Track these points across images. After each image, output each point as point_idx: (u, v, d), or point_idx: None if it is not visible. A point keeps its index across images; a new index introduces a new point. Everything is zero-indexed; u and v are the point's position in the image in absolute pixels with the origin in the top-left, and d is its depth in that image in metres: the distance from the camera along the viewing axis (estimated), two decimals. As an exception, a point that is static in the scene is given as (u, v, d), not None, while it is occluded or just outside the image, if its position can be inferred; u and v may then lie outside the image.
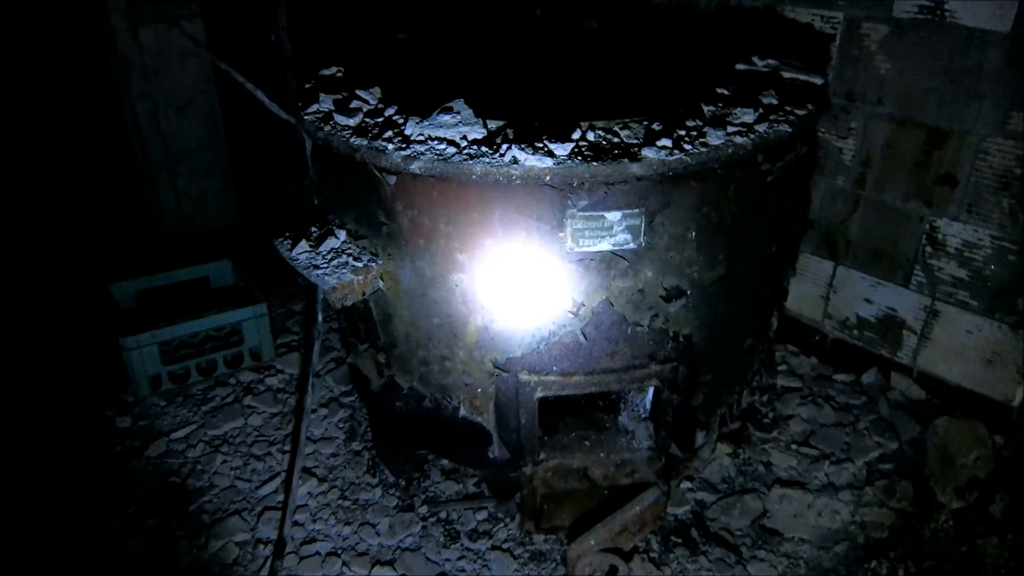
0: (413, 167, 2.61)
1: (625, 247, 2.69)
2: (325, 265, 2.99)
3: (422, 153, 2.63)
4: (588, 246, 2.67)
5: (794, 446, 3.74)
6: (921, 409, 3.86)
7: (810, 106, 2.91)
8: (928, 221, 3.61)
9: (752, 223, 2.86)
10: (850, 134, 3.77)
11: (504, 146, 2.60)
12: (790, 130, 2.76)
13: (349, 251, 3.05)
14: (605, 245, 2.68)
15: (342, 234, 3.09)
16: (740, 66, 3.13)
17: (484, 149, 2.62)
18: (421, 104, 2.87)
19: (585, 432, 3.15)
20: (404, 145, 2.68)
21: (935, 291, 3.69)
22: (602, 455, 3.06)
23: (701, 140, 2.64)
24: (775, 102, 2.90)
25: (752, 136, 2.68)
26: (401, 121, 2.82)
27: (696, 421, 3.13)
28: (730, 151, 2.62)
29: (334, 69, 3.34)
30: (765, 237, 3.00)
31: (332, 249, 3.07)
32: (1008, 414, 3.66)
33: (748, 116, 2.77)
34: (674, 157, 2.55)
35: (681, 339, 2.91)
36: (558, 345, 2.86)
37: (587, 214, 2.62)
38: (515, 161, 2.54)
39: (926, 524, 3.38)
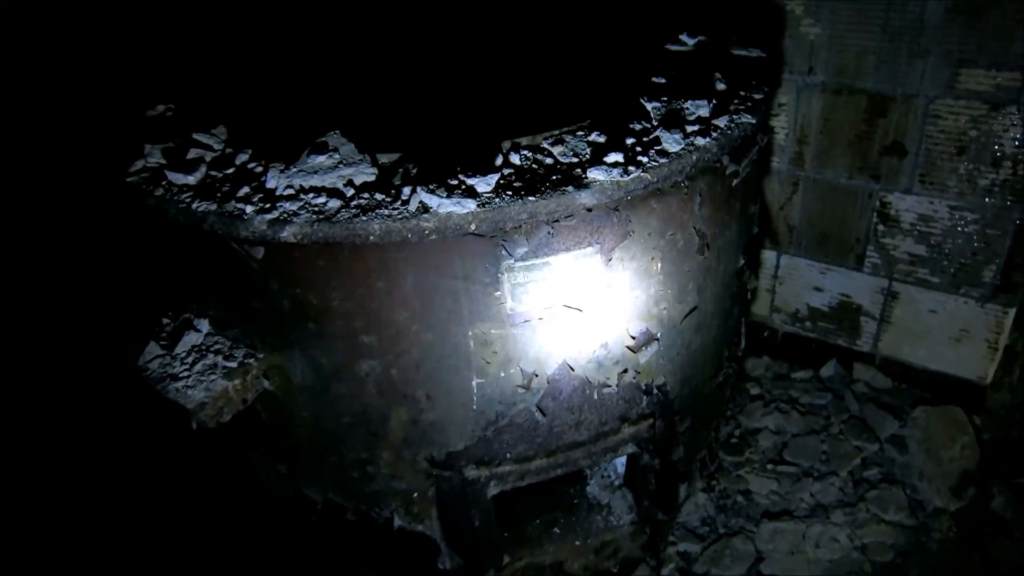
0: (285, 234, 1.80)
1: (580, 296, 1.97)
2: (186, 372, 2.13)
3: (295, 213, 1.82)
4: (534, 303, 1.94)
5: (770, 466, 3.16)
6: (892, 399, 3.36)
7: (765, 88, 2.26)
8: (878, 197, 3.07)
9: (721, 238, 2.20)
10: (781, 110, 3.19)
11: (406, 189, 1.83)
12: (754, 121, 2.11)
13: (217, 346, 2.20)
14: (555, 298, 1.95)
15: (203, 324, 2.24)
16: (671, 47, 2.45)
17: (380, 197, 1.84)
18: (284, 143, 2.04)
19: (551, 515, 2.44)
20: (268, 205, 1.86)
21: (892, 271, 3.17)
22: (577, 542, 2.37)
23: (657, 148, 1.95)
24: (725, 87, 2.23)
25: (716, 135, 2.01)
26: (260, 171, 1.98)
27: (678, 475, 2.48)
28: (694, 158, 1.94)
29: (161, 108, 2.44)
30: (734, 251, 2.35)
31: (193, 347, 2.21)
32: (982, 393, 3.20)
33: (703, 109, 2.09)
34: (631, 176, 1.85)
35: (656, 391, 2.23)
36: (510, 428, 2.12)
37: (528, 263, 1.89)
38: (425, 209, 1.78)
39: (929, 535, 2.85)
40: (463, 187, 1.83)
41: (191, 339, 2.22)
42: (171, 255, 2.27)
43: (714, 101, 2.14)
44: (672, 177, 1.92)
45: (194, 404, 2.05)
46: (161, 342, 2.24)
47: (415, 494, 2.25)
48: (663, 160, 1.91)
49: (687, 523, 2.95)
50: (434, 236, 1.78)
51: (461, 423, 2.11)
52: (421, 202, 1.80)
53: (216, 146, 2.16)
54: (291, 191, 1.90)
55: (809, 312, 3.52)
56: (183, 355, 2.19)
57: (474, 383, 2.05)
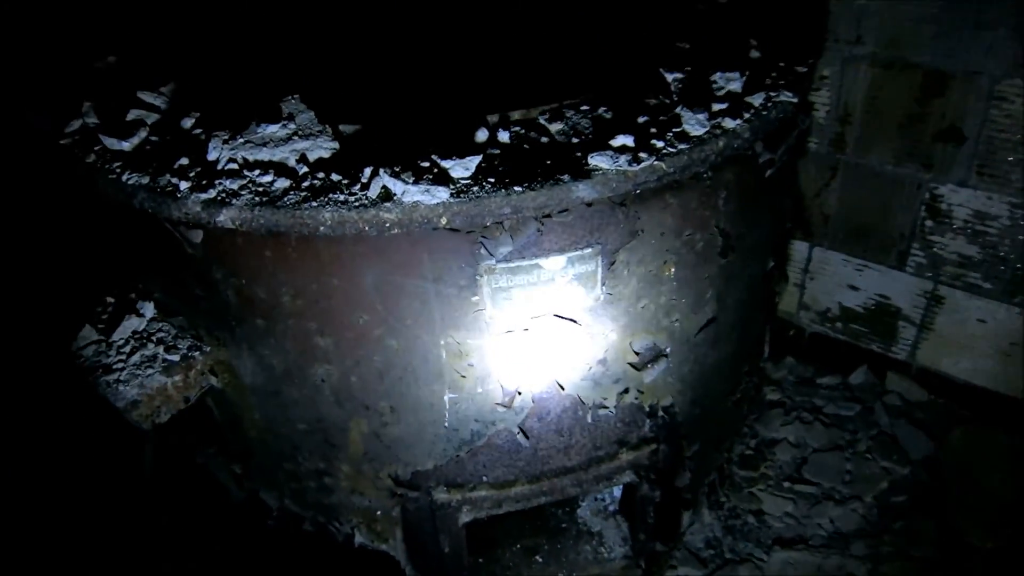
0: (222, 218, 1.47)
1: (576, 305, 1.63)
2: (121, 364, 1.83)
3: (235, 193, 1.49)
4: (518, 311, 1.60)
5: (786, 484, 2.82)
6: (927, 415, 2.99)
7: (810, 59, 1.87)
8: (927, 188, 2.66)
9: (748, 238, 1.84)
10: (822, 84, 2.77)
11: (367, 171, 1.48)
12: (795, 99, 1.73)
13: (160, 335, 1.89)
14: (545, 306, 1.61)
15: (148, 308, 1.92)
16: (699, 5, 2.05)
17: (336, 178, 1.50)
18: (238, 108, 1.70)
19: (534, 540, 2.14)
20: (206, 182, 1.53)
21: (938, 273, 2.77)
22: (561, 574, 2.05)
23: (676, 130, 1.58)
24: (760, 55, 1.85)
25: (749, 116, 1.63)
26: (204, 139, 1.64)
27: (682, 503, 2.15)
28: (721, 144, 1.58)
29: (112, 59, 2.10)
30: (762, 252, 1.99)
31: (134, 333, 1.90)
32: (1030, 414, 2.81)
33: (734, 83, 1.72)
34: (642, 165, 1.49)
35: (661, 413, 1.90)
36: (487, 449, 1.81)
37: (513, 265, 1.55)
38: (387, 196, 1.44)
39: None
40: (435, 171, 1.48)
41: (132, 324, 1.92)
42: (113, 228, 1.95)
43: (748, 73, 1.76)
44: (693, 167, 1.56)
45: (125, 403, 1.75)
46: (99, 326, 1.93)
47: (378, 512, 1.95)
48: (683, 146, 1.55)
49: (690, 544, 2.63)
50: (397, 230, 1.44)
51: (430, 441, 1.80)
52: (384, 187, 1.46)
53: (162, 106, 1.82)
54: (234, 166, 1.56)
55: (841, 312, 3.14)
56: (120, 343, 1.88)
57: (446, 398, 1.72)
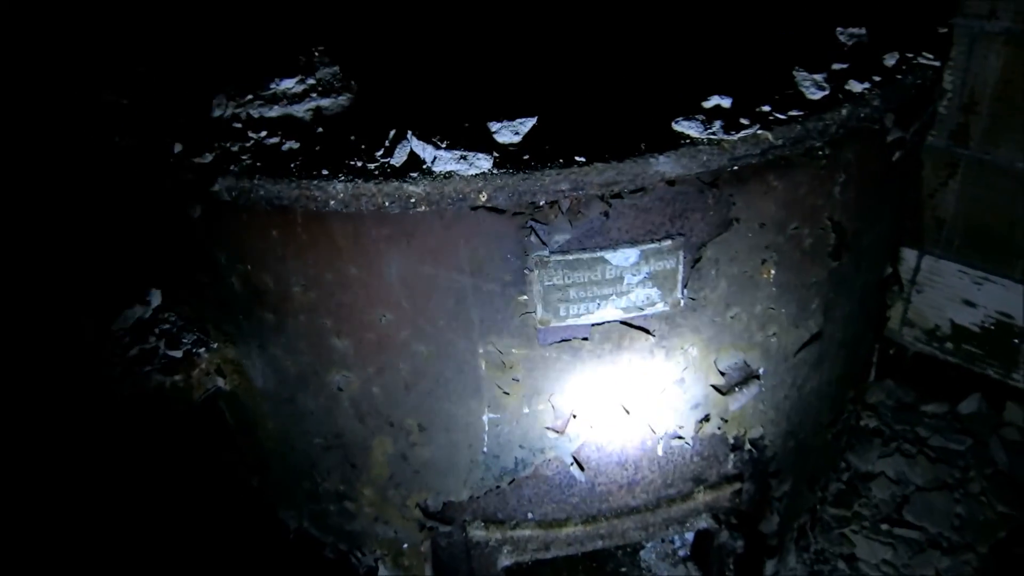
0: (217, 188, 1.18)
1: (649, 311, 1.28)
2: (116, 358, 1.56)
3: (233, 157, 1.19)
4: (577, 316, 1.27)
5: (884, 526, 2.40)
6: (1055, 454, 2.51)
7: (949, 19, 1.48)
8: (1069, 190, 2.17)
9: (865, 236, 1.46)
10: (944, 67, 2.32)
11: (392, 132, 1.17)
12: (936, 62, 1.34)
13: (165, 326, 1.62)
14: (610, 311, 1.27)
15: (156, 296, 1.65)
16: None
17: (354, 141, 1.19)
18: (253, 60, 1.41)
19: (588, 585, 1.78)
20: (205, 142, 1.24)
21: (1076, 291, 2.26)
22: (619, 629, 1.70)
23: (787, 92, 1.22)
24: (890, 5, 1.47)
25: (879, 80, 1.25)
26: (209, 92, 1.36)
27: (767, 551, 1.76)
28: (844, 112, 1.20)
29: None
30: (880, 255, 1.60)
31: (137, 322, 1.63)
32: None
33: (859, 38, 1.34)
34: (742, 134, 1.13)
35: (748, 446, 1.53)
36: (533, 481, 1.47)
37: (571, 257, 1.21)
38: (415, 164, 1.11)
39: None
40: (476, 134, 1.15)
41: (135, 313, 1.65)
42: (112, 200, 1.69)
43: (875, 27, 1.38)
44: (807, 140, 1.20)
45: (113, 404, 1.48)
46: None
47: (405, 545, 1.64)
48: (795, 112, 1.18)
49: (769, 590, 2.24)
50: (425, 208, 1.12)
51: (466, 468, 1.47)
52: (411, 152, 1.14)
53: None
54: (238, 125, 1.27)
55: (952, 330, 2.69)
56: (121, 333, 1.62)
57: (485, 418, 1.40)
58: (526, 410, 1.39)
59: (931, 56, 1.35)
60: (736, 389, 1.44)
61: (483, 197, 1.10)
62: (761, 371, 1.45)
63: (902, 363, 2.85)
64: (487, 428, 1.41)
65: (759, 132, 1.15)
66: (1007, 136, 2.31)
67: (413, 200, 1.11)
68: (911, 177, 1.71)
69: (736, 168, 1.18)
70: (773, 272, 1.35)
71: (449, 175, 1.10)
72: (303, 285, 1.32)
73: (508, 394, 1.36)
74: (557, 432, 1.41)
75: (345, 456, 1.55)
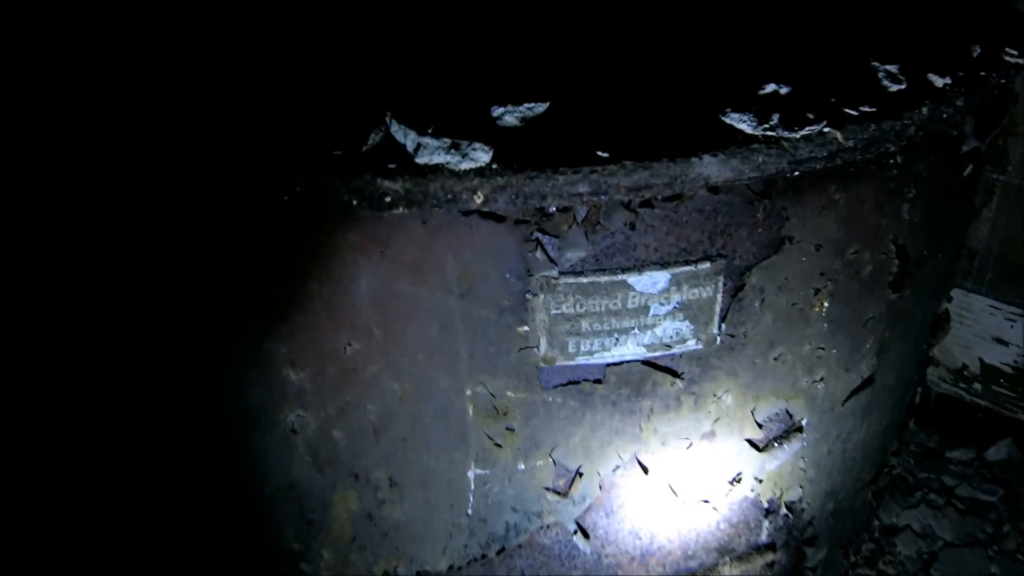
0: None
1: (678, 349, 1.03)
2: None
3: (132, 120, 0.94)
4: (589, 353, 1.01)
5: (911, 588, 2.13)
6: (1096, 511, 2.27)
7: (1028, 12, 1.25)
8: (1122, 222, 1.94)
9: (929, 264, 1.22)
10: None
11: (365, 112, 0.92)
12: (1022, 60, 1.11)
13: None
14: (631, 349, 1.02)
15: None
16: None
17: (318, 123, 0.93)
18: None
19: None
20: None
21: (1125, 331, 2.03)
22: None
23: (858, 83, 0.98)
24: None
25: (959, 77, 1.02)
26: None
27: (792, 629, 1.50)
28: (924, 112, 0.96)
29: None
30: (940, 287, 1.37)
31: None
32: None
33: (941, 25, 1.11)
34: (805, 131, 0.88)
35: (784, 511, 1.27)
36: (528, 549, 1.21)
37: (585, 281, 0.96)
38: (394, 154, 0.86)
39: None
40: (476, 119, 0.91)
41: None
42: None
43: (956, 15, 1.15)
44: (882, 143, 0.96)
45: None
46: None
47: (371, 618, 1.36)
48: (868, 108, 0.95)
49: (784, 661, 1.97)
50: (404, 210, 0.87)
51: (445, 532, 1.21)
52: (388, 137, 0.89)
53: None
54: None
55: (981, 370, 2.46)
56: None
57: (471, 474, 1.13)
58: (521, 466, 1.13)
59: (1016, 53, 1.12)
60: (775, 444, 1.19)
61: (478, 199, 0.85)
62: (804, 423, 1.20)
63: (925, 405, 2.61)
64: (473, 486, 1.15)
65: (827, 130, 0.91)
66: (1050, 161, 2.09)
67: (388, 199, 0.85)
68: (975, 193, 1.48)
69: (794, 175, 0.94)
70: (826, 305, 1.11)
71: (436, 169, 0.85)
72: (246, 299, 1.06)
73: (500, 446, 1.10)
74: (559, 494, 1.15)
75: (300, 511, 1.28)
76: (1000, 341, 2.39)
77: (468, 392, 1.06)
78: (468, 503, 1.17)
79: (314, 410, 1.13)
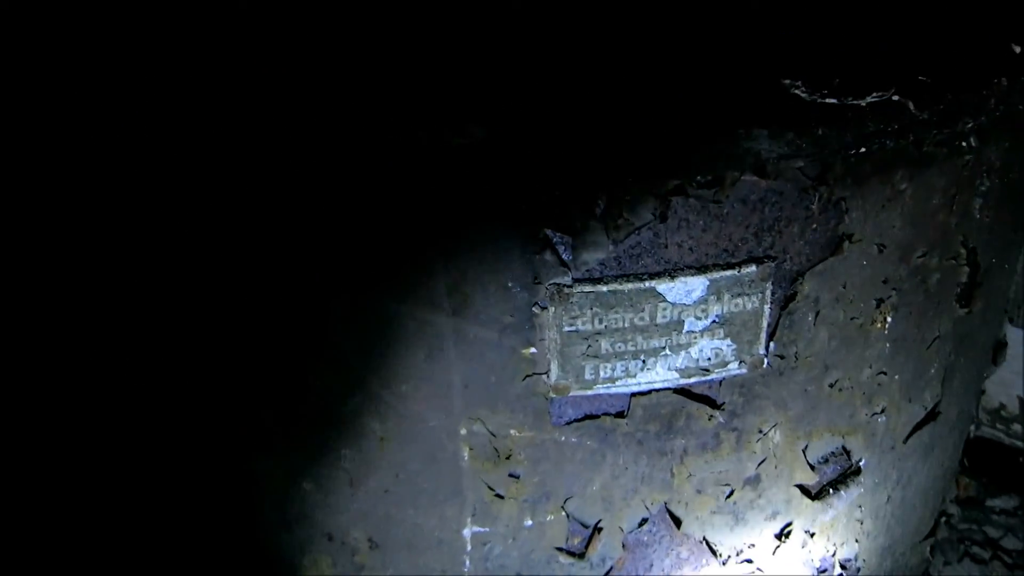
0: None
1: (718, 374, 0.83)
2: None
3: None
4: (610, 380, 0.82)
5: (960, 654, 1.89)
6: None
7: None
8: None
9: (998, 274, 1.05)
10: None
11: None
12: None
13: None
14: (660, 374, 0.82)
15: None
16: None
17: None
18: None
19: None
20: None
21: None
22: None
23: (929, 55, 0.81)
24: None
25: (1040, 44, 0.86)
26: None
27: None
28: (1005, 84, 0.80)
29: None
30: (1004, 301, 1.19)
31: None
32: None
33: None
34: (871, 97, 0.71)
35: (838, 571, 1.06)
36: (536, 623, 0.98)
37: (605, 289, 0.77)
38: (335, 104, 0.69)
39: None
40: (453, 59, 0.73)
41: None
42: None
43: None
44: (959, 119, 0.79)
45: None
46: None
47: None
48: (939, 76, 0.78)
49: None
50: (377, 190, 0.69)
51: (436, 604, 0.99)
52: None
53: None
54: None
55: (1020, 410, 2.26)
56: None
57: (468, 532, 0.93)
58: (528, 522, 0.92)
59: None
60: (830, 491, 0.99)
61: (474, 185, 0.67)
62: (863, 464, 1.01)
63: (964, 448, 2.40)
64: (470, 547, 0.94)
65: (896, 98, 0.74)
66: (1087, 179, 1.93)
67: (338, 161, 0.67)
68: None
69: (856, 156, 0.77)
70: (889, 320, 0.92)
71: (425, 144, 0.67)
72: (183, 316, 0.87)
73: (502, 497, 0.90)
74: (573, 555, 0.94)
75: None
76: (1039, 376, 2.21)
77: (463, 431, 0.86)
78: (464, 568, 0.96)
79: (276, 454, 0.93)
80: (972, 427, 2.36)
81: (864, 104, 0.74)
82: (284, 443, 0.94)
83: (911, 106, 0.76)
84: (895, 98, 0.75)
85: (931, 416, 1.06)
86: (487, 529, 0.93)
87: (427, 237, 0.76)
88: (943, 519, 1.54)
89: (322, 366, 0.85)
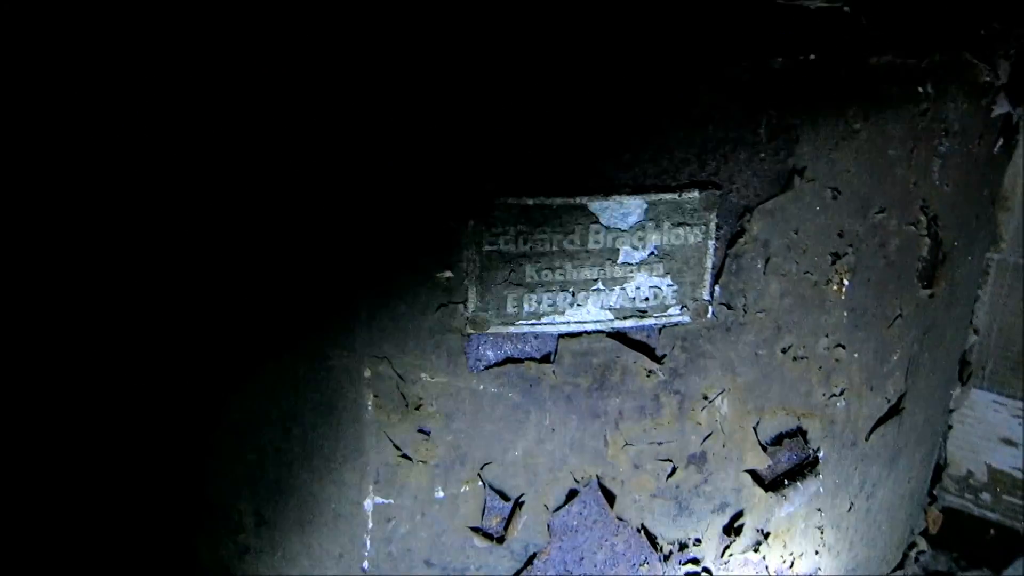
0: None
1: (656, 318, 0.74)
2: None
3: None
4: (535, 314, 0.71)
5: None
6: None
7: None
8: None
9: (961, 257, 0.98)
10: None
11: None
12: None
13: None
14: (592, 311, 0.72)
15: None
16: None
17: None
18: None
19: None
20: None
21: None
22: None
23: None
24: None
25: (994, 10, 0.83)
26: None
27: None
28: (956, 20, 0.75)
29: None
30: (970, 296, 1.14)
31: None
32: None
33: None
34: (822, 3, 0.66)
35: (795, 587, 0.93)
36: (445, 627, 0.83)
37: (531, 202, 0.67)
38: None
39: None
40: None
41: None
42: None
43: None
44: (909, 49, 0.74)
45: None
46: None
47: None
48: None
49: None
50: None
51: (326, 600, 0.84)
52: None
53: None
54: None
55: (990, 478, 2.15)
56: None
57: (369, 504, 0.80)
58: (440, 493, 0.79)
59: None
60: (785, 482, 0.88)
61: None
62: (822, 456, 0.90)
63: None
64: (371, 524, 0.81)
65: (846, 10, 0.69)
66: (1047, 237, 1.91)
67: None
68: (996, 198, 1.26)
69: (803, 77, 0.71)
70: (846, 284, 0.84)
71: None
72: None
73: (411, 459, 0.78)
74: (491, 539, 0.81)
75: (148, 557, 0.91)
76: (1008, 442, 2.11)
77: (367, 373, 0.75)
78: (364, 550, 0.82)
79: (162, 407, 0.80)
80: (938, 499, 2.25)
81: (813, 8, 0.68)
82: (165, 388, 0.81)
83: (863, 20, 0.70)
84: (846, 9, 0.70)
85: (894, 411, 0.96)
86: (391, 501, 0.80)
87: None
88: (912, 552, 1.40)
89: (205, 275, 0.74)
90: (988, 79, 0.88)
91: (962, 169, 0.91)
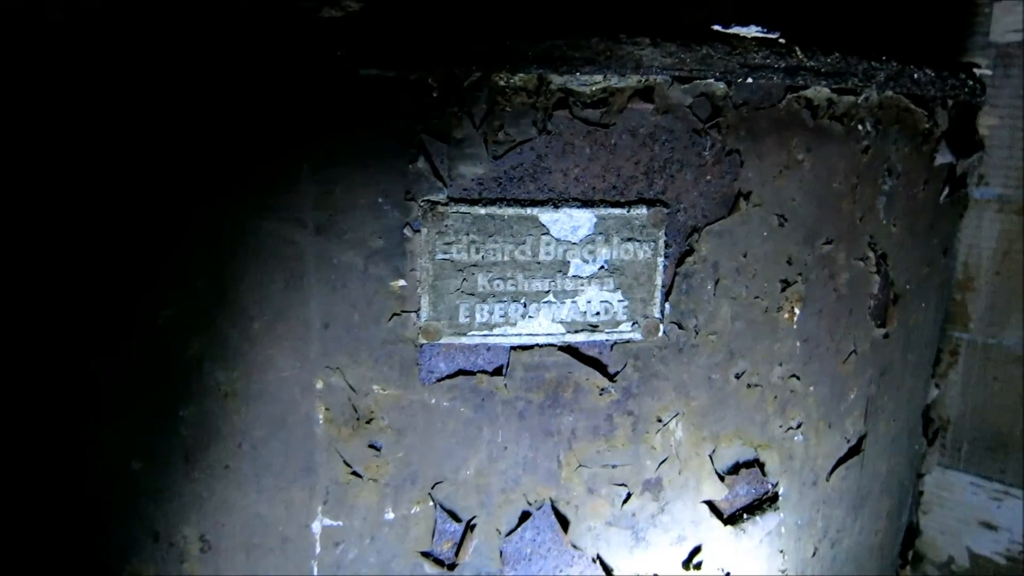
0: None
1: (608, 334, 0.74)
2: None
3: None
4: (487, 325, 0.72)
5: None
6: None
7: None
8: (1101, 375, 1.74)
9: (914, 298, 1.00)
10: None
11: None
12: (988, 71, 0.99)
13: None
14: (543, 323, 0.73)
15: None
16: None
17: None
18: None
19: None
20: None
21: None
22: None
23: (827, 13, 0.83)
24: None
25: (929, 63, 0.89)
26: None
27: None
28: (895, 66, 0.81)
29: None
30: (929, 338, 1.16)
31: None
32: None
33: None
34: (756, 32, 0.70)
35: (760, 634, 0.89)
36: (394, 667, 0.79)
37: (483, 211, 0.70)
38: None
39: None
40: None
41: None
42: None
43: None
44: (848, 76, 0.78)
45: None
46: None
47: None
48: (836, 55, 0.78)
49: None
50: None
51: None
52: None
53: None
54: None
55: (971, 563, 2.09)
56: None
57: (317, 526, 0.77)
58: (390, 514, 0.77)
59: (966, 81, 1.00)
60: (744, 516, 0.86)
61: (347, 56, 0.63)
62: (782, 492, 0.88)
63: (914, 609, 2.19)
64: (319, 549, 0.78)
65: (783, 40, 0.74)
66: (1014, 314, 1.94)
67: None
68: (954, 234, 1.29)
69: (754, 99, 0.75)
70: (797, 313, 0.85)
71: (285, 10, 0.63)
72: None
73: (361, 477, 0.76)
74: (442, 565, 0.78)
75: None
76: (988, 525, 2.06)
77: (319, 385, 0.74)
78: (312, 573, 0.78)
79: (107, 422, 0.79)
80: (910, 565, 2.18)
81: (751, 36, 0.73)
82: (113, 403, 0.80)
83: (799, 52, 0.75)
84: (782, 40, 0.75)
85: (854, 451, 0.95)
86: (340, 523, 0.77)
87: (293, 135, 0.69)
88: (886, 614, 1.34)
89: (165, 292, 0.74)
90: (928, 126, 0.93)
91: (909, 212, 0.94)
